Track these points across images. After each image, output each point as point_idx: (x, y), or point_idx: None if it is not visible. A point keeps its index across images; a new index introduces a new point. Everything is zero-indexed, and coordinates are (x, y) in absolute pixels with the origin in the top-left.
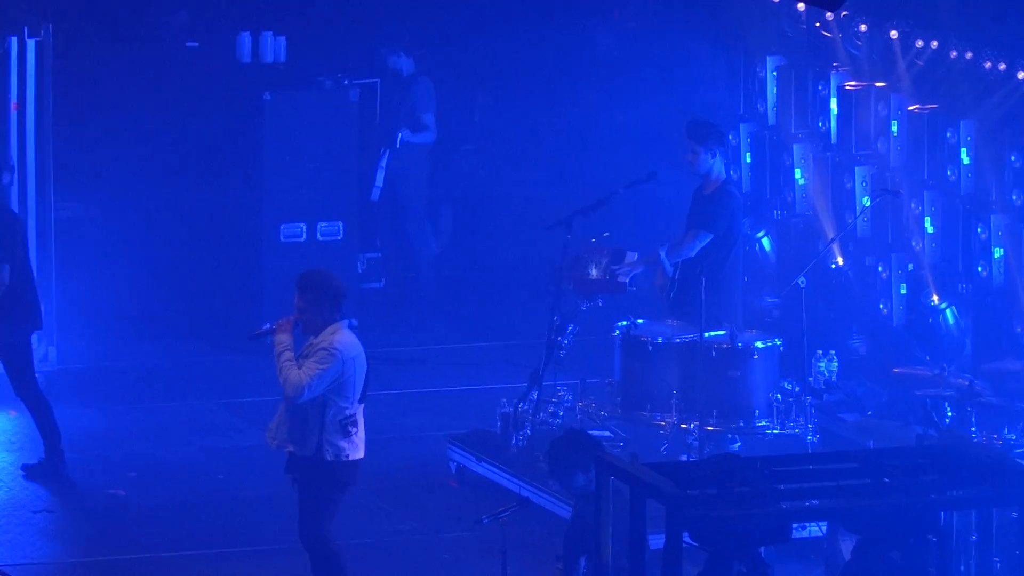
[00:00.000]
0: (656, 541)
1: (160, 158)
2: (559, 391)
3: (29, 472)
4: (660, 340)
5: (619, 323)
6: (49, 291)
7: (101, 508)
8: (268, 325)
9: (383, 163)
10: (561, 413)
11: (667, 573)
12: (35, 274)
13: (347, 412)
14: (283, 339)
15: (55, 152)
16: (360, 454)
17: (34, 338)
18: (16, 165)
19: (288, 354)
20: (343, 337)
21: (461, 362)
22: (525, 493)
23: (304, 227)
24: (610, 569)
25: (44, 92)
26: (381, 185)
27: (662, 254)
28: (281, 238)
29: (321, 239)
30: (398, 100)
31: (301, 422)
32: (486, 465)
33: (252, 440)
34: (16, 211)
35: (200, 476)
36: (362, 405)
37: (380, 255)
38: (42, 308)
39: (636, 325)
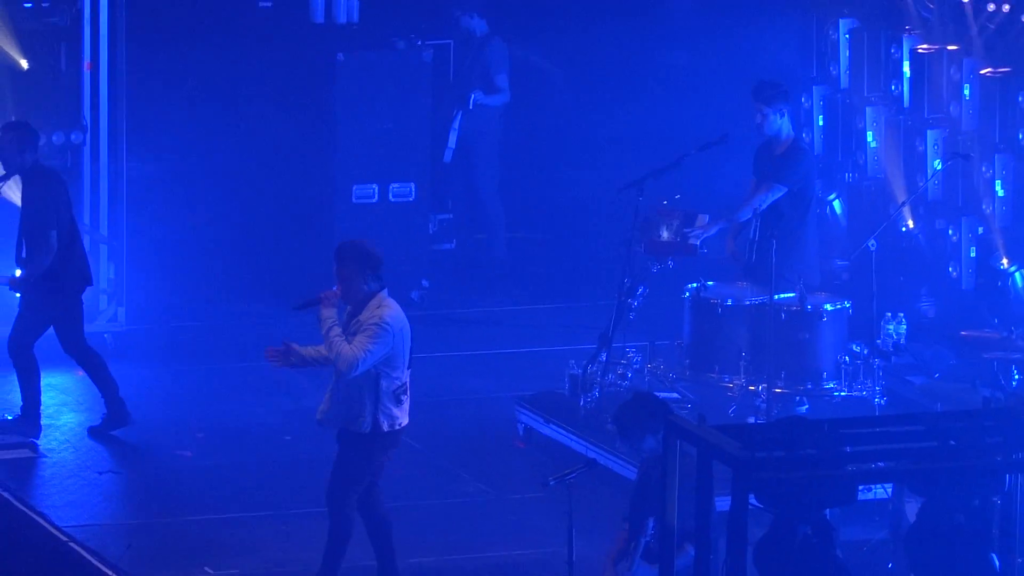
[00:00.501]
0: (723, 503)
1: (232, 118)
2: (628, 353)
3: (94, 433)
4: (730, 302)
5: (689, 285)
6: (120, 251)
7: (167, 469)
8: (314, 297)
9: (456, 124)
10: (630, 375)
11: (733, 535)
12: (81, 233)
13: (400, 381)
14: (329, 313)
15: (128, 112)
16: (407, 420)
17: (103, 298)
18: (89, 125)
19: (337, 329)
20: (391, 310)
21: (530, 324)
22: (592, 455)
23: (376, 188)
24: (676, 530)
25: (117, 52)
26: (454, 147)
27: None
28: (353, 199)
29: (393, 200)
30: (471, 61)
31: (357, 398)
32: (554, 427)
33: (319, 402)
34: (88, 174)
35: (267, 437)
36: (409, 371)
37: (451, 216)
38: (90, 266)
39: (706, 287)
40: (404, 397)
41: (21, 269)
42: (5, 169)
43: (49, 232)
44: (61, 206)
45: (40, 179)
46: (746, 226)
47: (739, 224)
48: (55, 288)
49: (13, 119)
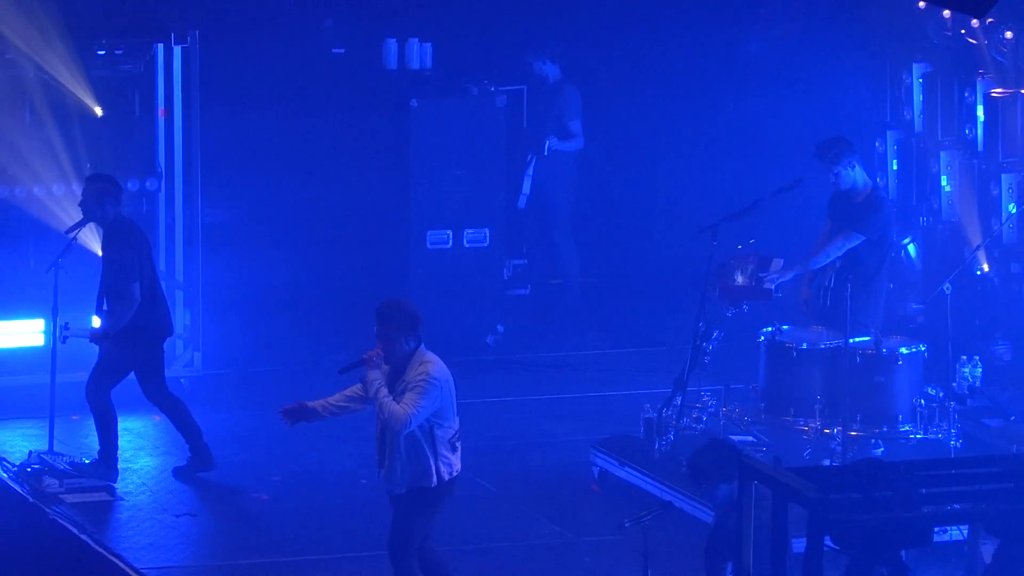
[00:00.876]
0: (799, 545)
1: (306, 164)
2: (703, 396)
3: (179, 474)
4: (805, 346)
5: (764, 329)
6: (196, 296)
7: (244, 512)
8: (358, 359)
9: (530, 170)
10: (705, 418)
11: None
12: (162, 285)
13: (453, 429)
14: (376, 375)
15: (202, 158)
16: (460, 466)
17: (179, 344)
18: (163, 171)
19: (384, 390)
20: (435, 365)
21: (605, 368)
22: (667, 497)
23: (451, 234)
24: (753, 573)
25: (191, 98)
26: (528, 192)
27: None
28: (428, 245)
29: (467, 246)
30: (544, 107)
31: (416, 457)
32: (629, 470)
33: None
34: (162, 221)
35: (343, 481)
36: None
37: (526, 262)
38: (172, 315)
39: (781, 331)
40: (458, 443)
41: (102, 320)
42: (86, 218)
43: (132, 286)
44: (143, 258)
45: (122, 232)
46: (821, 272)
47: (814, 270)
48: (137, 340)
49: (89, 169)
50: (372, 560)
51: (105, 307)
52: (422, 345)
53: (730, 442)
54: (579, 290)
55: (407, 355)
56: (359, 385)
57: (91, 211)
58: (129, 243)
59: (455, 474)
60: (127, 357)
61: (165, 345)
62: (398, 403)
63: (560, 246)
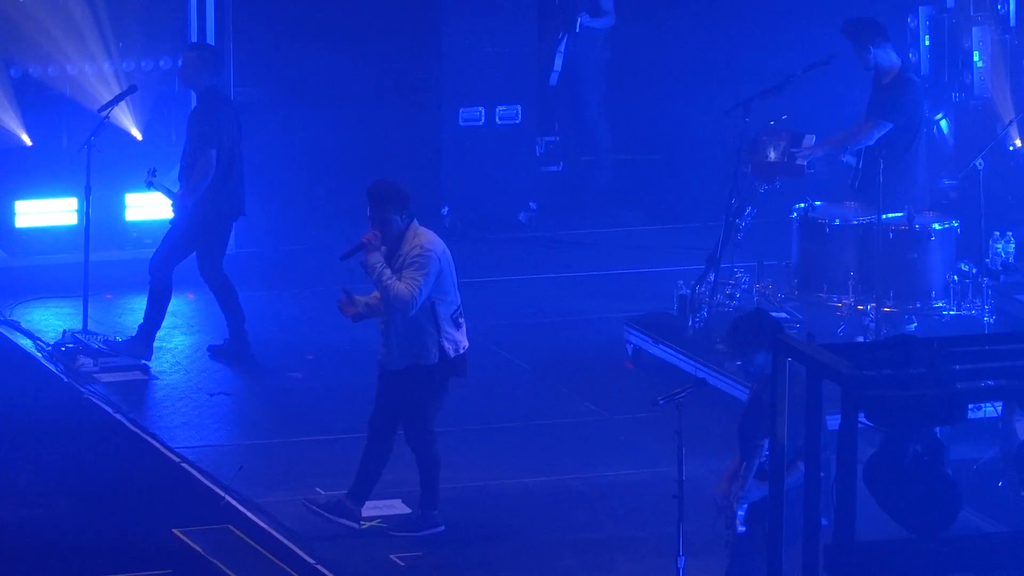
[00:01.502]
0: (832, 422)
1: (338, 41)
2: (736, 273)
3: (214, 352)
4: (837, 222)
5: (796, 205)
6: None
7: (278, 390)
8: (356, 244)
9: (562, 47)
10: (738, 295)
11: (843, 453)
12: (242, 165)
13: (455, 304)
14: (376, 258)
15: (234, 36)
16: (467, 343)
17: None
18: None
19: (387, 271)
20: (427, 237)
21: (638, 245)
22: (701, 374)
23: (483, 111)
24: (787, 449)
25: None
26: (559, 69)
27: (844, 157)
28: (460, 122)
29: (499, 123)
30: None
31: (419, 333)
32: (663, 347)
33: None
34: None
35: (375, 359)
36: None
37: (558, 139)
38: (244, 196)
39: (814, 207)
40: (461, 320)
41: (180, 186)
42: (183, 83)
43: (209, 151)
44: (225, 131)
45: (211, 102)
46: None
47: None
48: (206, 216)
49: (121, 46)
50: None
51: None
52: (415, 221)
53: (768, 313)
54: (611, 167)
55: (400, 233)
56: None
57: (188, 78)
58: (216, 112)
59: (461, 351)
60: (194, 234)
61: None
62: (400, 282)
63: (592, 123)
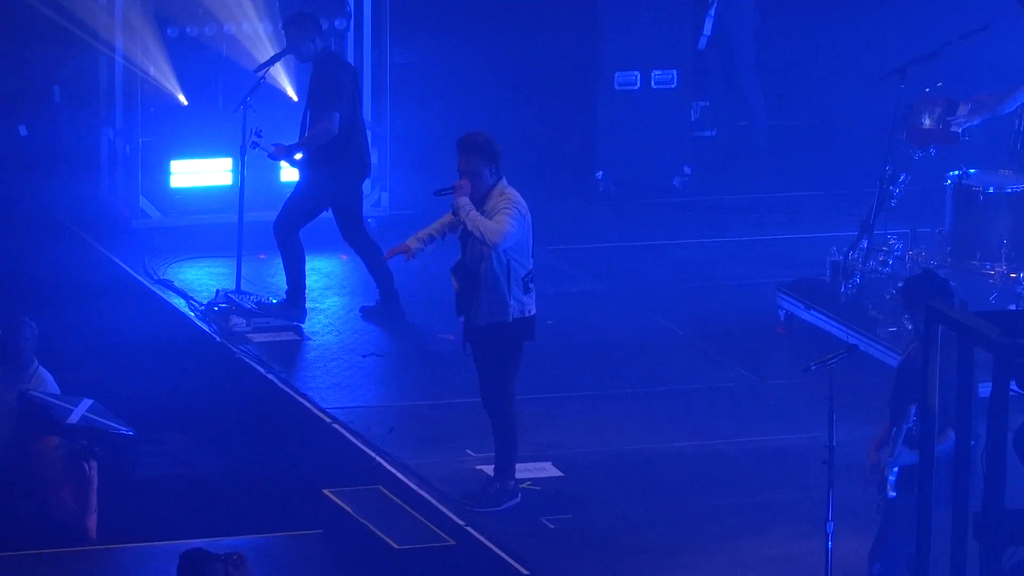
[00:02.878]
0: (984, 389)
1: (494, 5)
2: (889, 240)
3: (366, 314)
4: (991, 190)
5: (951, 173)
6: (383, 137)
7: (429, 352)
8: (448, 186)
9: (711, 11)
10: (891, 262)
11: (993, 420)
12: (367, 125)
13: (527, 267)
14: (465, 201)
15: None
16: (535, 308)
17: (367, 184)
18: (352, 11)
19: (475, 211)
20: (515, 194)
21: (791, 210)
22: (853, 340)
23: (638, 75)
24: (938, 416)
25: None
26: (709, 33)
27: (1006, 105)
28: (616, 86)
29: (655, 87)
30: None
31: (494, 291)
32: (815, 313)
33: (583, 286)
34: (350, 62)
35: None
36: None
37: (712, 103)
38: (371, 157)
39: (968, 175)
40: (531, 285)
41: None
42: (297, 58)
43: (332, 113)
44: (345, 93)
45: (332, 64)
46: (1011, 117)
47: (1003, 115)
48: (333, 178)
49: (277, 6)
50: (557, 401)
51: (306, 132)
52: (504, 179)
53: (942, 276)
54: (765, 132)
55: (488, 188)
56: (448, 214)
57: (305, 50)
58: (338, 74)
59: (528, 314)
60: (320, 196)
61: None
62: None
63: (745, 88)
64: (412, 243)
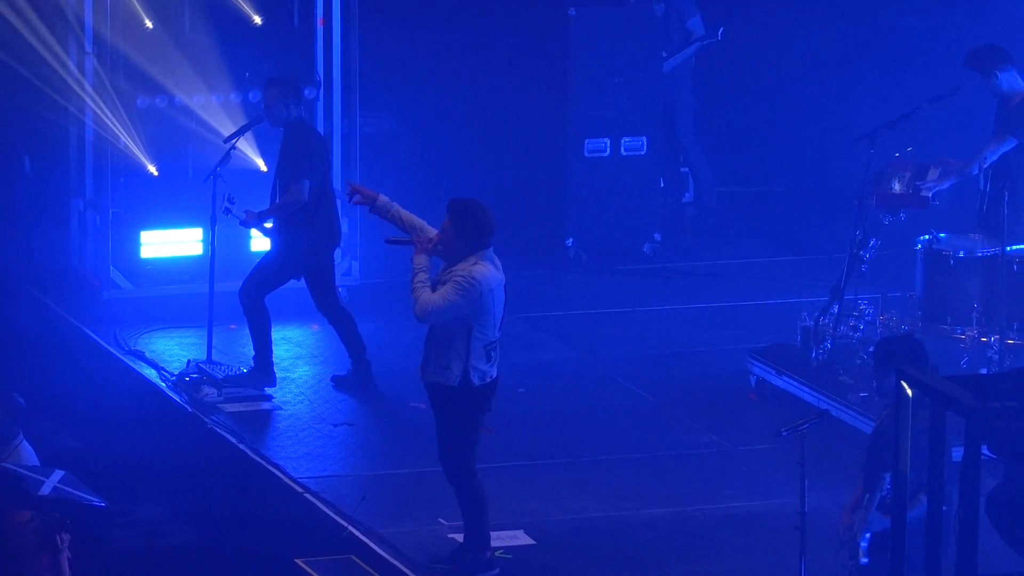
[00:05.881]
0: (957, 454)
1: (464, 73)
2: (860, 305)
3: (338, 383)
4: (962, 254)
5: (921, 237)
6: (354, 206)
7: (400, 421)
8: (406, 237)
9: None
10: (862, 327)
11: (966, 484)
12: (335, 193)
13: (491, 339)
14: (421, 260)
15: (360, 67)
16: (496, 373)
17: (337, 253)
18: (322, 80)
19: (423, 276)
20: (483, 269)
21: (762, 276)
22: (824, 406)
23: (608, 142)
24: (910, 481)
25: (350, 7)
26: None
27: (973, 168)
28: (586, 153)
29: (625, 154)
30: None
31: (447, 351)
32: (786, 378)
33: (554, 354)
34: (320, 130)
35: (501, 390)
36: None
37: (685, 170)
38: (342, 226)
39: (938, 239)
40: (494, 354)
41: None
42: (269, 122)
43: (302, 181)
44: (317, 161)
45: (302, 131)
46: (976, 179)
47: (971, 177)
48: (301, 248)
49: (247, 78)
50: (528, 469)
51: (276, 200)
52: (482, 253)
53: (918, 340)
54: (714, 198)
55: (459, 257)
56: (427, 228)
57: (279, 115)
58: (308, 143)
59: (488, 380)
60: (288, 266)
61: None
62: (431, 292)
63: (688, 156)
64: (382, 201)
